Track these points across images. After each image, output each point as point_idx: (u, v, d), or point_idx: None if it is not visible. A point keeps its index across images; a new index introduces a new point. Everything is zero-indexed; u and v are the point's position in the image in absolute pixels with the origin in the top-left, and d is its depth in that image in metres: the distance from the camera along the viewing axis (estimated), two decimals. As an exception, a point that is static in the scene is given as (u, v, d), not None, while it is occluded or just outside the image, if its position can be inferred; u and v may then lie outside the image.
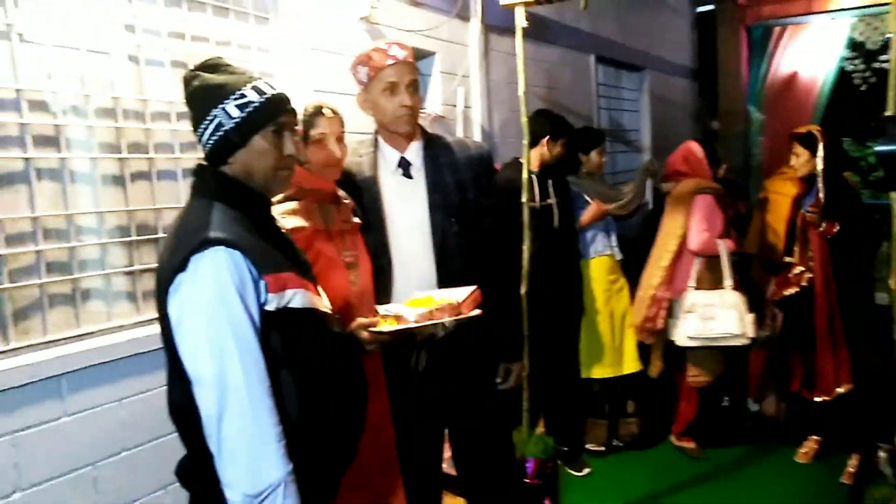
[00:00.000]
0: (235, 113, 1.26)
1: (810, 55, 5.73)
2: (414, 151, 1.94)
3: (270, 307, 1.23)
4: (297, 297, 1.28)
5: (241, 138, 1.27)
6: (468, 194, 1.93)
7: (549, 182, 3.10)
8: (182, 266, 1.17)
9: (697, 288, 3.11)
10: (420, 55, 3.14)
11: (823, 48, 5.68)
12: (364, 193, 1.91)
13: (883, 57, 5.78)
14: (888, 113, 1.93)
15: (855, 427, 3.07)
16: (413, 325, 1.51)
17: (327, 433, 1.37)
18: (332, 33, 2.59)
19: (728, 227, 3.22)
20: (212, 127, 1.26)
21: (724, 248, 3.08)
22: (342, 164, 1.80)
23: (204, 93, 1.28)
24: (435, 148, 1.97)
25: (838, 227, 3.02)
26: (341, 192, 1.82)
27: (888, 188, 1.96)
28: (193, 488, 1.35)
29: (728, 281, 3.07)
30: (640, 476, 3.17)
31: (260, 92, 1.28)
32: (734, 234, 3.29)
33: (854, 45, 5.79)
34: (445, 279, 1.85)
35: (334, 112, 1.79)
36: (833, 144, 3.15)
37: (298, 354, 1.29)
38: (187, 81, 1.31)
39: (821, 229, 3.06)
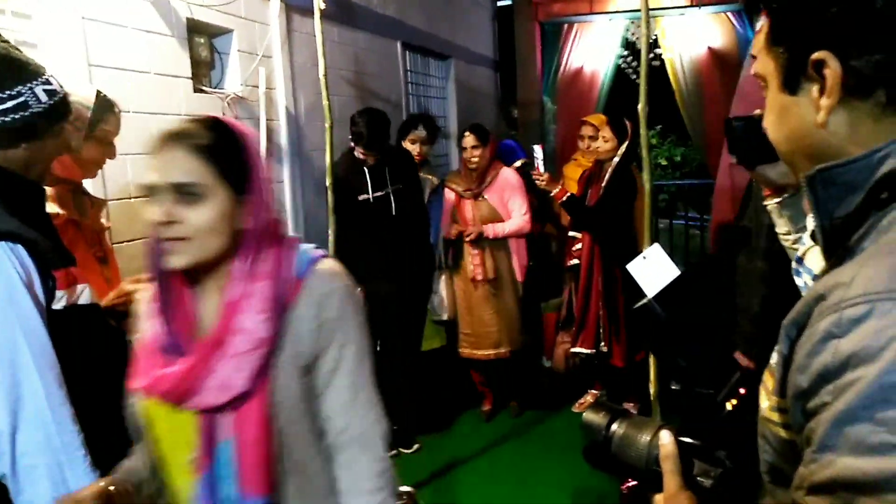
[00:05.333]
0: (45, 98, 1.17)
1: (593, 52, 6.37)
2: None
3: (58, 306, 1.15)
4: (85, 293, 1.23)
5: (47, 126, 1.19)
6: None
7: (387, 171, 3.14)
8: None
9: None
10: (215, 31, 2.97)
11: (603, 46, 6.33)
12: None
13: (651, 56, 6.60)
14: (640, 105, 2.20)
15: (627, 378, 3.52)
16: None
17: (118, 434, 1.29)
18: (110, 3, 2.35)
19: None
20: (11, 105, 1.13)
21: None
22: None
23: (4, 63, 1.14)
24: None
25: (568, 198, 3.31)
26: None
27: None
28: None
29: None
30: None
31: (59, 84, 1.23)
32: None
33: (627, 44, 6.53)
34: None
35: (119, 110, 1.69)
36: (635, 134, 3.51)
37: (89, 354, 1.22)
38: None
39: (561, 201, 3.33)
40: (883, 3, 0.55)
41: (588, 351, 3.50)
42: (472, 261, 3.44)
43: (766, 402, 0.66)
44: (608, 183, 3.34)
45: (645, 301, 0.81)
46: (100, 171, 2.29)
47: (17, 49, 1.19)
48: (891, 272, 0.52)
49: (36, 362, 1.06)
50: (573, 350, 3.57)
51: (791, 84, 0.63)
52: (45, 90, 1.17)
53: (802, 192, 0.67)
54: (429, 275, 3.47)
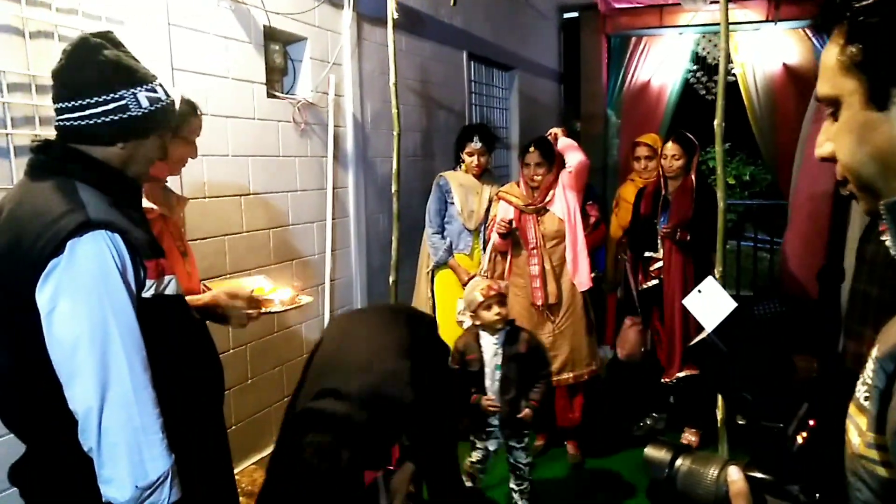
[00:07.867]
0: (146, 103, 1.26)
1: (661, 66, 6.24)
2: None
3: (147, 294, 1.20)
4: (171, 284, 1.27)
5: (144, 130, 1.27)
6: None
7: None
8: (56, 251, 1.10)
9: None
10: (290, 39, 3.06)
11: (672, 60, 6.20)
12: None
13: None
14: (717, 121, 2.14)
15: (695, 405, 3.38)
16: (285, 308, 1.84)
17: (198, 421, 1.35)
18: (194, 10, 2.45)
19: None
20: (113, 106, 1.22)
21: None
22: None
23: (114, 68, 1.23)
24: None
25: (689, 236, 3.12)
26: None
27: None
28: (34, 491, 1.26)
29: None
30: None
31: (166, 93, 1.32)
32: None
33: (697, 59, 6.37)
34: None
35: (201, 112, 1.82)
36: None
37: (171, 342, 1.27)
38: (93, 47, 1.23)
39: (677, 238, 3.17)
40: None
41: (695, 372, 3.23)
42: (532, 283, 3.02)
43: (857, 439, 0.63)
44: (699, 202, 3.10)
45: (704, 336, 0.77)
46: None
47: (132, 57, 1.28)
48: None
49: (124, 345, 1.12)
50: (678, 375, 3.31)
51: (879, 99, 0.61)
52: (147, 97, 1.25)
53: None
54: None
